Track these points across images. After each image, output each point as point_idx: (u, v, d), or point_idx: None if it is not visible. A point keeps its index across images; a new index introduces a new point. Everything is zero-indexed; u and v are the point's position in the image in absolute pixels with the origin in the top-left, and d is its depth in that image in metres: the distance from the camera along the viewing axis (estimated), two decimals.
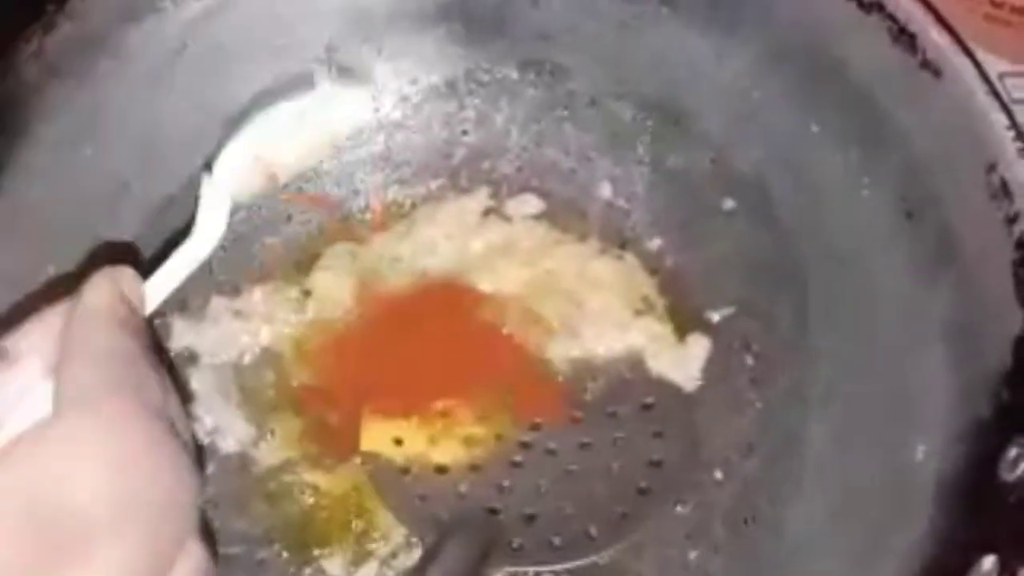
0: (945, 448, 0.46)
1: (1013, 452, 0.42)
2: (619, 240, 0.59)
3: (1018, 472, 0.42)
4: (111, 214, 0.56)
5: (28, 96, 0.52)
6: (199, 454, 0.43)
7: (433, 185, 0.61)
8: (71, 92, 0.54)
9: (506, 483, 0.52)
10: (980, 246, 0.46)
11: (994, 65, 0.62)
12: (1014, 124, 0.45)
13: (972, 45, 0.48)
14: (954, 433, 0.46)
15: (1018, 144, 0.45)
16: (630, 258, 0.58)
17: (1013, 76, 0.64)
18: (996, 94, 0.46)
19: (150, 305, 0.44)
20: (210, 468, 0.54)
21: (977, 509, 0.44)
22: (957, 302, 0.47)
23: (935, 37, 0.48)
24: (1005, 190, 0.45)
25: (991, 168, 0.45)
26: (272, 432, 0.55)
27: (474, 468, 0.53)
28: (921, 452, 0.47)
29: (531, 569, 0.51)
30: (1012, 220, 0.45)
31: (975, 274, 0.47)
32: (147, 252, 0.56)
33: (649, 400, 0.55)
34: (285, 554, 0.53)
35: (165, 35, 0.56)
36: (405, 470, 0.53)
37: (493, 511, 0.51)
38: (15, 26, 0.52)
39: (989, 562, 0.40)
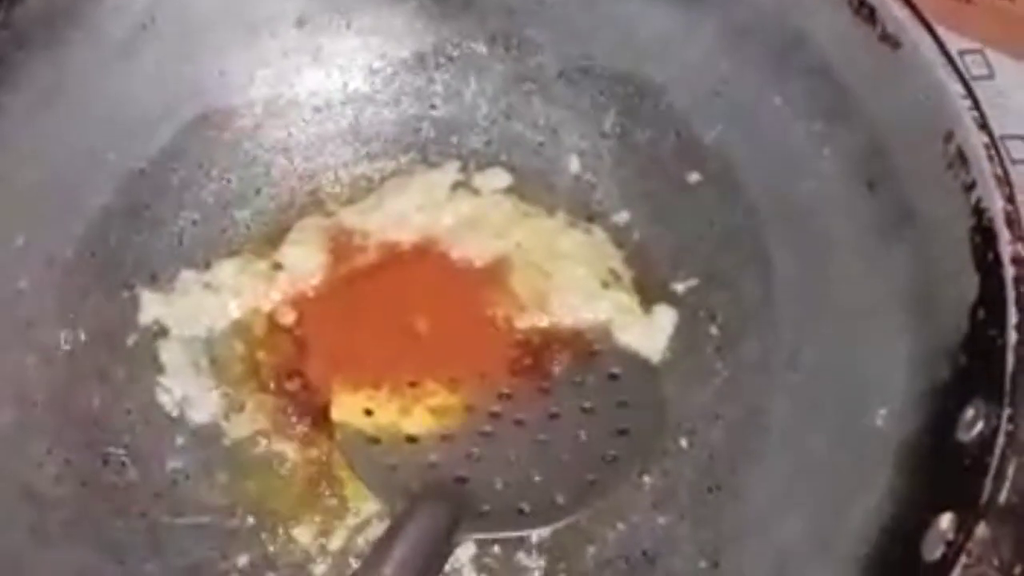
0: (904, 413, 0.47)
1: (970, 413, 0.43)
2: (587, 213, 0.60)
3: (974, 433, 0.42)
4: (79, 186, 0.56)
5: None
6: None
7: (402, 159, 0.61)
8: (40, 64, 0.54)
9: (476, 452, 0.53)
10: (938, 213, 0.47)
11: (955, 42, 0.63)
12: (971, 94, 0.46)
13: (933, 22, 0.49)
14: (913, 398, 0.47)
15: (974, 114, 0.46)
16: (597, 231, 0.59)
17: (972, 53, 0.65)
18: (953, 65, 0.47)
19: None
20: (180, 439, 0.54)
21: (935, 471, 0.45)
22: (916, 269, 0.48)
23: (894, 10, 0.49)
24: (962, 159, 0.46)
25: (948, 137, 0.46)
26: (242, 403, 0.55)
27: (444, 438, 0.53)
28: (881, 417, 0.48)
29: (500, 535, 0.51)
30: (969, 188, 0.46)
31: (933, 241, 0.48)
32: (116, 224, 0.57)
33: (616, 370, 0.55)
34: (255, 524, 0.53)
35: (134, 7, 0.56)
36: (375, 440, 0.53)
37: (463, 480, 0.52)
38: None
39: (946, 521, 0.41)
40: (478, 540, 0.52)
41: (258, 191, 0.60)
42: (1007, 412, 0.41)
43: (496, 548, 0.52)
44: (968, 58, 0.65)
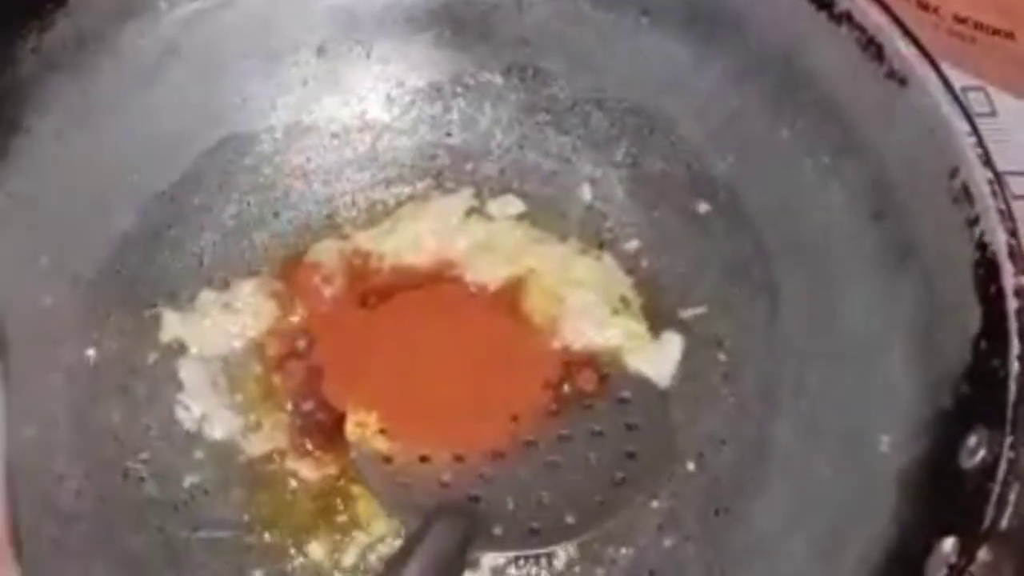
0: (908, 440, 0.48)
1: (972, 441, 0.44)
2: (598, 241, 0.61)
3: (976, 459, 0.43)
4: (103, 207, 0.57)
5: (25, 90, 0.54)
6: None
7: (418, 185, 0.62)
8: (67, 87, 0.55)
9: (487, 472, 0.54)
10: (942, 247, 0.48)
11: (958, 80, 0.64)
12: (975, 131, 0.47)
13: (937, 59, 0.51)
14: (917, 426, 0.48)
15: (979, 150, 0.47)
16: (608, 258, 0.60)
17: (975, 90, 0.66)
18: (959, 102, 0.48)
19: None
20: (198, 455, 0.55)
21: (938, 496, 0.45)
22: (920, 300, 0.49)
23: (901, 48, 0.50)
24: (966, 194, 0.47)
25: (953, 173, 0.48)
26: (259, 422, 0.56)
27: (456, 458, 0.54)
28: (885, 444, 0.49)
29: (512, 554, 0.52)
30: (973, 222, 0.47)
31: (937, 273, 0.49)
32: (139, 245, 0.58)
33: (625, 395, 0.56)
34: (270, 540, 0.54)
35: (160, 34, 0.57)
36: (389, 459, 0.54)
37: (475, 499, 0.53)
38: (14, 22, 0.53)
39: (949, 545, 0.42)
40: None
41: (276, 214, 0.61)
42: (1009, 440, 0.42)
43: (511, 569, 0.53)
44: (971, 95, 0.66)
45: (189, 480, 0.55)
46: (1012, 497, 0.41)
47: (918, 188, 0.50)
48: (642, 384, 0.57)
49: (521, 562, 0.53)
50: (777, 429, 0.54)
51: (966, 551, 0.42)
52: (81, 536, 0.51)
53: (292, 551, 0.54)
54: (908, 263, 0.50)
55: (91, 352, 0.56)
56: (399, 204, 0.62)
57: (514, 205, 0.61)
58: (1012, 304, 0.45)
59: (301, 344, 0.58)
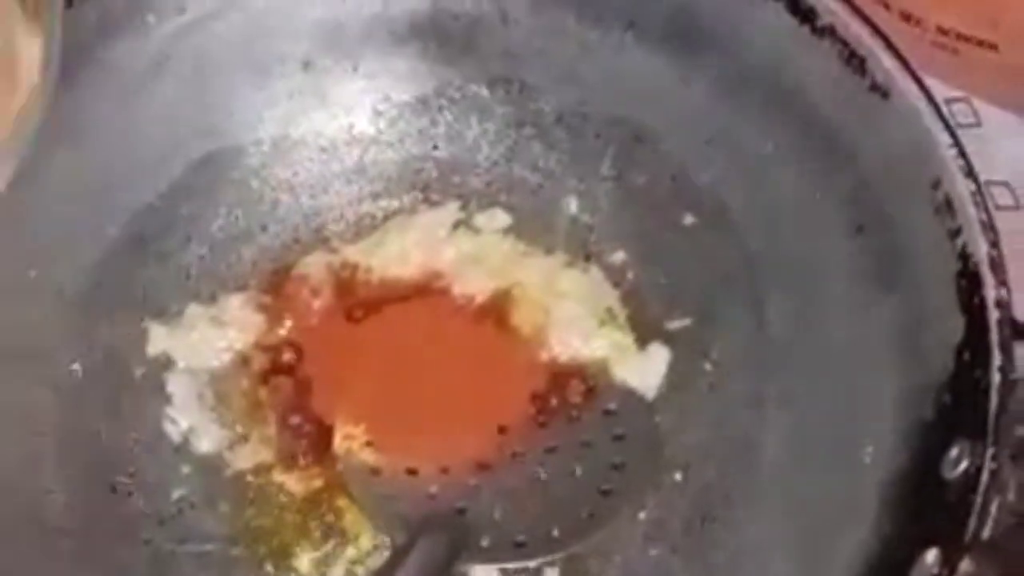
0: (891, 451, 0.49)
1: (954, 452, 0.44)
2: (584, 253, 0.61)
3: (958, 471, 0.44)
4: (90, 220, 0.58)
5: None
6: None
7: (405, 198, 0.62)
8: (56, 100, 0.55)
9: (474, 484, 0.54)
10: (925, 258, 0.49)
11: (942, 91, 0.64)
12: (958, 143, 0.48)
13: (921, 72, 0.51)
14: (899, 436, 0.48)
15: (960, 162, 0.47)
16: (594, 270, 0.60)
17: (958, 102, 0.66)
18: (941, 115, 0.49)
19: None
20: (185, 469, 0.55)
21: (920, 507, 0.46)
22: (903, 311, 0.50)
23: (884, 61, 0.50)
24: (949, 205, 0.47)
25: (936, 185, 0.48)
26: (246, 435, 0.56)
27: (443, 470, 0.54)
28: (868, 455, 0.49)
29: (498, 566, 0.53)
30: (955, 234, 0.47)
31: (920, 284, 0.49)
32: (126, 257, 0.58)
33: (612, 406, 0.57)
34: (256, 553, 0.54)
35: (147, 48, 0.57)
36: (376, 472, 0.54)
37: (461, 511, 0.53)
38: None
39: (931, 556, 0.43)
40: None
41: (264, 228, 0.61)
42: (991, 451, 0.43)
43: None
44: (955, 106, 0.66)
45: (176, 493, 0.55)
46: (994, 508, 0.42)
47: (901, 199, 0.50)
48: (629, 395, 0.57)
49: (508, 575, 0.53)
50: (763, 440, 0.55)
51: (948, 562, 0.42)
52: (68, 550, 0.51)
53: (279, 564, 0.53)
54: (891, 274, 0.51)
55: (77, 366, 0.56)
56: (386, 217, 0.62)
57: (501, 218, 0.62)
58: (994, 315, 0.45)
59: (288, 357, 0.58)
